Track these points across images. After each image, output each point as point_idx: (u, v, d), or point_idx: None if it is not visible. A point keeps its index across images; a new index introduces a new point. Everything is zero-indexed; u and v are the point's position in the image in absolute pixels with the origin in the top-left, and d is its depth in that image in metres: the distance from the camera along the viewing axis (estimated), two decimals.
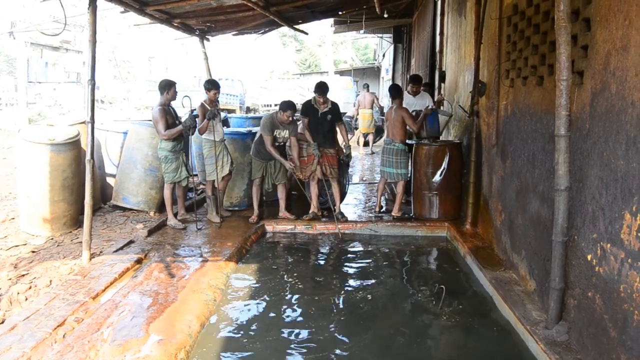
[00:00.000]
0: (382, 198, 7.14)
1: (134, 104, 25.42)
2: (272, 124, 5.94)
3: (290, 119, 5.94)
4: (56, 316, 3.47)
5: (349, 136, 6.87)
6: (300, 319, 3.91)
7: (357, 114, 13.22)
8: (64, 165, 5.44)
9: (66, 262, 4.64)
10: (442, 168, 6.01)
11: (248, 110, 23.58)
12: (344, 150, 6.35)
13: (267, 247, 5.66)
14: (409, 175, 6.46)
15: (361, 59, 48.03)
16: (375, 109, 13.48)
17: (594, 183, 2.89)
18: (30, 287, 4.07)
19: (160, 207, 6.41)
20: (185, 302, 3.86)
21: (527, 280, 4.00)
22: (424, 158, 6.15)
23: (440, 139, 6.82)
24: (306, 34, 10.15)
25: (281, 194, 6.35)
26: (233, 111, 20.54)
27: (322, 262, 5.34)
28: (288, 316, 3.94)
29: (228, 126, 6.41)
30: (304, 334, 3.66)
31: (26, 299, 3.89)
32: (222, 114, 6.30)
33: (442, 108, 7.28)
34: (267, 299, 4.23)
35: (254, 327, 3.77)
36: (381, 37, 22.12)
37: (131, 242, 5.25)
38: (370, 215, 6.57)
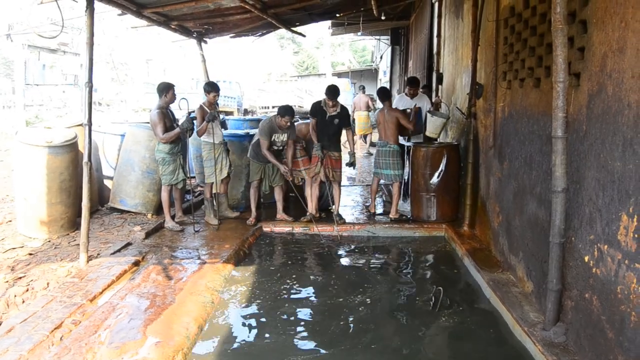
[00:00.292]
0: (380, 200, 7.16)
1: (132, 106, 25.40)
2: (270, 128, 5.94)
3: (289, 123, 5.95)
4: (53, 319, 3.46)
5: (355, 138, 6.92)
6: (297, 321, 3.90)
7: (353, 116, 13.22)
8: (61, 167, 5.43)
9: (63, 264, 4.63)
10: (439, 170, 6.02)
11: (246, 112, 23.61)
12: (349, 158, 6.33)
13: (265, 249, 5.66)
14: (404, 176, 6.49)
15: (359, 61, 48.08)
16: (372, 111, 13.51)
17: (591, 184, 2.90)
18: (27, 290, 4.05)
19: (158, 210, 6.40)
20: (182, 304, 3.85)
21: (525, 281, 4.01)
22: (421, 160, 6.16)
23: (438, 141, 6.83)
24: (304, 36, 10.15)
25: (278, 196, 6.36)
26: (231, 113, 20.56)
27: (319, 264, 5.33)
28: (285, 318, 3.94)
29: (226, 128, 6.41)
30: (302, 336, 3.66)
31: (23, 302, 3.88)
32: (221, 116, 6.29)
33: (440, 110, 7.29)
34: (265, 301, 4.23)
35: (251, 329, 3.77)
36: (379, 39, 22.15)
37: (129, 244, 5.24)
38: (368, 216, 6.57)
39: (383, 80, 22.90)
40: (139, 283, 4.21)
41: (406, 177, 6.81)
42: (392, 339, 3.61)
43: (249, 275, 4.80)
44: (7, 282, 4.20)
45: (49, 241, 5.33)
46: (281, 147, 6.13)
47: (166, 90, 5.71)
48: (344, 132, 6.36)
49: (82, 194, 4.70)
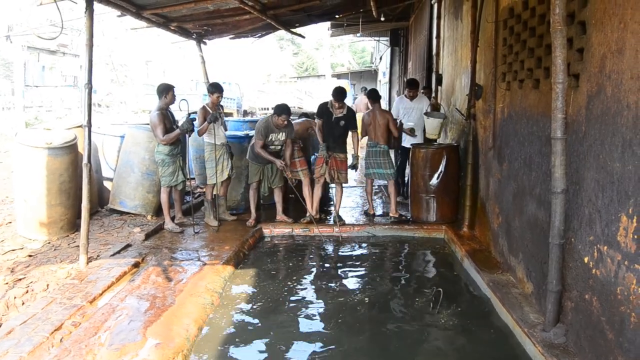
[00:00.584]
0: (380, 201, 7.17)
1: (131, 107, 25.40)
2: (266, 127, 5.94)
3: (286, 122, 5.95)
4: (53, 320, 3.45)
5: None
6: (297, 322, 3.90)
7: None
8: (61, 169, 5.43)
9: (63, 266, 4.63)
10: (439, 171, 6.02)
11: (245, 113, 23.59)
12: (352, 160, 6.32)
13: (264, 251, 5.66)
14: (396, 174, 6.54)
15: (358, 62, 48.14)
16: None
17: (591, 185, 2.90)
18: (27, 291, 4.05)
19: (158, 211, 6.40)
20: (182, 305, 3.85)
21: (525, 282, 4.01)
22: (421, 161, 6.16)
23: (438, 142, 6.84)
24: (303, 37, 10.16)
25: (278, 197, 6.36)
26: (230, 115, 20.54)
27: (319, 265, 5.33)
28: (285, 319, 3.94)
29: (225, 129, 6.41)
30: (302, 337, 3.67)
31: (23, 303, 3.88)
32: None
33: (441, 111, 7.32)
34: (265, 302, 4.23)
35: (251, 330, 3.77)
36: (378, 40, 22.18)
37: (128, 246, 5.24)
38: (368, 218, 6.58)
39: (382, 82, 22.91)
40: (139, 285, 4.21)
41: (406, 179, 6.84)
42: (391, 340, 3.61)
43: (249, 277, 4.80)
44: (6, 283, 4.20)
45: (49, 243, 5.33)
46: (279, 147, 6.13)
47: (166, 91, 5.72)
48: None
49: (81, 196, 4.69)
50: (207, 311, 3.93)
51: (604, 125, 2.75)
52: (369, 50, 40.44)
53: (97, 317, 3.57)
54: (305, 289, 4.58)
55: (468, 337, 3.65)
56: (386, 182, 6.63)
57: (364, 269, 5.12)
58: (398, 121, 6.93)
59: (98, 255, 4.89)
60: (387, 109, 11.44)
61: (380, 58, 24.20)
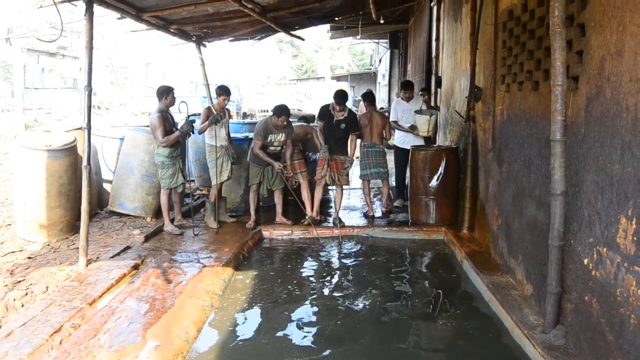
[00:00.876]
0: (379, 203, 7.17)
1: (131, 109, 25.41)
2: (265, 128, 5.96)
3: (285, 123, 5.96)
4: (53, 322, 3.45)
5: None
6: (297, 324, 3.89)
7: None
8: (60, 171, 5.43)
9: (63, 268, 4.62)
10: (438, 173, 6.03)
11: (245, 115, 23.59)
12: (346, 164, 6.30)
13: (264, 253, 5.66)
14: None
15: (358, 64, 48.23)
16: None
17: (590, 187, 2.90)
18: (26, 294, 4.05)
19: (157, 213, 6.39)
20: (182, 307, 3.85)
21: (524, 284, 4.01)
22: (420, 163, 6.17)
23: (437, 143, 6.85)
24: (303, 39, 10.16)
25: (278, 199, 6.36)
26: (230, 117, 20.51)
27: (319, 267, 5.32)
28: (285, 322, 3.93)
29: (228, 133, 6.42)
30: (301, 339, 3.66)
31: (22, 305, 3.87)
32: (225, 119, 6.24)
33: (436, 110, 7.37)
34: (264, 304, 4.23)
35: (251, 332, 3.77)
36: (377, 43, 22.23)
37: (128, 248, 5.23)
38: (367, 219, 6.58)
39: (382, 84, 22.96)
40: (139, 286, 4.20)
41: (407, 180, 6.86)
42: (391, 342, 3.60)
43: (249, 279, 4.80)
44: (6, 285, 4.19)
45: (48, 245, 5.33)
46: (279, 148, 6.13)
47: (166, 93, 5.72)
48: None
49: (81, 198, 4.69)
50: (207, 313, 3.92)
51: (603, 128, 2.76)
52: (369, 52, 40.52)
53: (97, 319, 3.57)
54: (305, 291, 4.58)
55: (468, 339, 3.65)
56: (380, 181, 6.80)
57: (363, 271, 5.12)
58: (398, 122, 6.97)
59: (97, 257, 4.89)
60: (388, 110, 11.48)
61: (380, 60, 24.25)
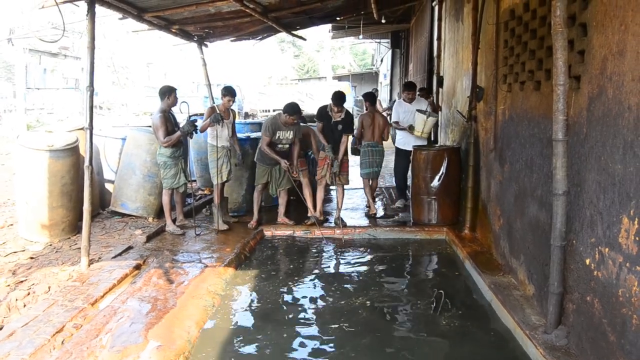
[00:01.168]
0: (380, 203, 7.17)
1: (133, 109, 25.44)
2: (274, 124, 5.96)
3: (295, 121, 5.97)
4: (55, 322, 3.46)
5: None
6: (299, 324, 3.90)
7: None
8: (62, 171, 5.44)
9: (65, 268, 4.63)
10: (440, 173, 6.02)
11: (246, 115, 23.61)
12: (333, 166, 6.20)
13: (266, 253, 5.66)
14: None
15: (359, 64, 48.21)
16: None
17: (592, 187, 2.90)
18: (28, 294, 4.06)
19: (159, 213, 6.40)
20: (184, 308, 3.85)
21: (526, 284, 4.00)
22: (422, 163, 6.16)
23: (438, 143, 6.84)
24: (304, 39, 10.16)
25: (283, 199, 6.35)
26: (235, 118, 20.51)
27: (320, 268, 5.33)
28: (287, 322, 3.93)
29: (234, 133, 6.41)
30: (303, 339, 3.66)
31: (24, 306, 3.88)
32: (228, 120, 6.21)
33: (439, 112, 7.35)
34: (266, 304, 4.23)
35: (253, 332, 3.77)
36: (379, 43, 22.22)
37: (130, 248, 5.24)
38: (369, 219, 6.58)
39: (384, 84, 22.94)
40: (140, 287, 4.21)
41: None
42: (393, 342, 3.60)
43: (250, 279, 4.80)
44: (8, 285, 4.20)
45: (50, 245, 5.34)
46: (287, 146, 6.12)
47: (168, 93, 5.73)
48: None
49: (83, 198, 4.70)
50: (209, 313, 3.93)
51: (605, 127, 2.75)
52: (370, 52, 40.53)
53: (99, 319, 3.58)
54: (307, 291, 4.58)
55: (469, 339, 3.64)
56: (376, 179, 6.87)
57: (364, 270, 5.12)
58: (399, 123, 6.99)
59: (99, 258, 4.89)
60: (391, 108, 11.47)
61: (381, 60, 24.24)
